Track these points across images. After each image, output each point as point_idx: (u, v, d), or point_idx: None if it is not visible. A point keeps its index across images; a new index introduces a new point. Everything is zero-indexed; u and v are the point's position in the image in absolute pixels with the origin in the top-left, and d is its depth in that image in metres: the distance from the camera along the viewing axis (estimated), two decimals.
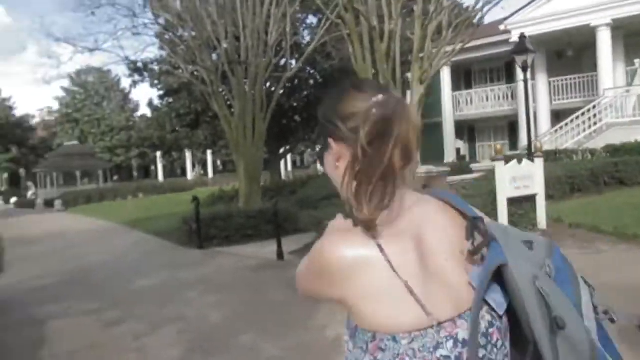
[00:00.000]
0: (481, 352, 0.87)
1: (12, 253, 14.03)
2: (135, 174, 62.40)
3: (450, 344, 0.85)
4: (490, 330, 0.89)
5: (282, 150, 23.44)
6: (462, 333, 0.86)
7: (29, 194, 37.36)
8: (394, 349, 0.86)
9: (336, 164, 0.99)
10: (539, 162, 8.77)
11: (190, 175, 45.97)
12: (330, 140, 0.99)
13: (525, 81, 12.67)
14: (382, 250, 0.89)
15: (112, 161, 51.02)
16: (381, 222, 0.91)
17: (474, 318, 0.86)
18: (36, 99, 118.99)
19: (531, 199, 8.68)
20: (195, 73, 15.28)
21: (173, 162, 60.70)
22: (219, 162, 53.82)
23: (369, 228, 0.90)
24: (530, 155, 9.75)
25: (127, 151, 56.48)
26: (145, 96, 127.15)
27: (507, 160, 9.04)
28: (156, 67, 22.48)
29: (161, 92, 23.51)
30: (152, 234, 14.61)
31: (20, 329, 6.14)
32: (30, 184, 40.12)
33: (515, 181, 8.35)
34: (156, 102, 24.41)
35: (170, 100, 22.45)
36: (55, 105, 60.79)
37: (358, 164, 0.93)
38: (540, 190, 8.67)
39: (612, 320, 0.96)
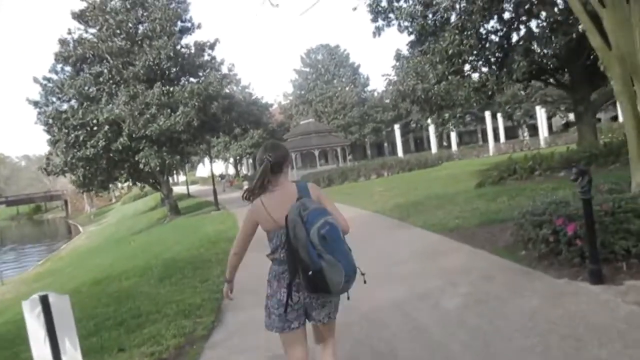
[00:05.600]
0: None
1: (246, 267, 9.55)
2: (368, 152, 59.38)
3: (282, 233, 2.75)
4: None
5: (594, 96, 15.67)
6: (284, 230, 2.72)
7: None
8: (269, 237, 2.89)
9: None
10: None
11: (434, 147, 40.09)
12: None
13: None
14: (262, 201, 2.84)
15: (347, 139, 47.98)
16: (265, 193, 2.89)
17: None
18: (273, 85, 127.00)
19: None
20: None
21: (408, 136, 56.10)
22: (452, 134, 46.46)
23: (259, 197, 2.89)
24: None
25: (361, 128, 53.42)
26: (376, 70, 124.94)
27: None
28: (405, 5, 16.92)
29: (412, 38, 17.76)
30: (445, 234, 8.88)
31: None
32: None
33: None
34: (405, 51, 18.83)
35: (427, 44, 16.50)
36: (290, 89, 61.09)
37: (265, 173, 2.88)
38: None
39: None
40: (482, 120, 44.34)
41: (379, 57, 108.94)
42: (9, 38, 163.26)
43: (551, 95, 50.82)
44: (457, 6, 13.41)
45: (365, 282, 2.87)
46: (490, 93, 14.79)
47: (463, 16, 13.25)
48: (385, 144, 61.06)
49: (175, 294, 6.95)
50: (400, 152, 42.87)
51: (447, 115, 15.07)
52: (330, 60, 57.27)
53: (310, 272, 2.56)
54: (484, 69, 15.94)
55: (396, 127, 44.11)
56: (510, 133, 49.26)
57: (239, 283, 7.33)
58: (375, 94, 60.52)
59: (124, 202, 58.41)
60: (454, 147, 42.37)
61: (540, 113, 43.71)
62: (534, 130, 57.94)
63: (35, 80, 22.49)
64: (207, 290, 6.94)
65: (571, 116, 58.33)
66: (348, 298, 2.85)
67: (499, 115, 43.38)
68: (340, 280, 2.58)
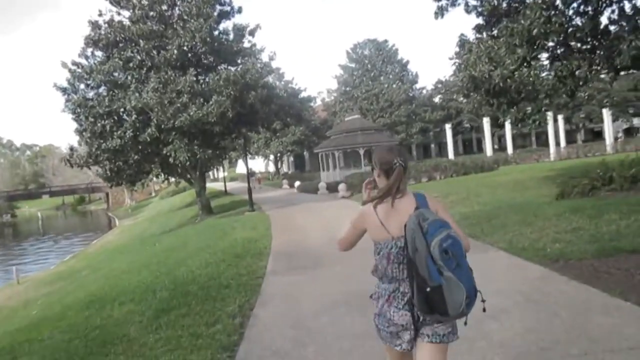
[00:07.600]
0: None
1: (275, 300, 6.14)
2: (414, 152, 56.52)
3: (396, 245, 2.43)
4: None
5: None
6: (400, 242, 2.40)
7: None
8: (378, 248, 2.50)
9: (376, 177, 2.58)
10: None
11: (489, 150, 37.01)
12: (375, 169, 2.60)
13: None
14: (375, 209, 2.47)
15: (394, 138, 45.37)
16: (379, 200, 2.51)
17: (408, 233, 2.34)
18: (317, 82, 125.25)
19: None
20: None
21: (457, 138, 53.05)
22: (508, 136, 43.16)
23: (373, 203, 2.50)
24: None
25: (408, 127, 50.66)
26: (426, 67, 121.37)
27: None
28: None
29: (480, 20, 15.19)
30: (547, 264, 6.39)
31: None
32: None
33: None
34: (471, 37, 16.25)
35: (500, 25, 13.90)
36: (334, 85, 58.82)
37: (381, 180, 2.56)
38: None
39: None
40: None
41: (432, 51, 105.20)
42: (56, 23, 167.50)
43: (614, 97, 46.85)
44: None
45: (484, 310, 2.44)
46: (581, 83, 12.10)
47: None
48: (433, 145, 58.04)
49: (165, 347, 4.77)
50: (450, 153, 39.97)
51: (529, 109, 12.40)
52: (377, 56, 54.62)
53: (428, 289, 2.23)
54: (569, 54, 13.21)
55: (447, 127, 41.25)
56: (567, 137, 45.59)
57: (259, 340, 5.08)
58: (424, 92, 57.60)
59: (162, 197, 57.49)
60: (510, 150, 39.14)
61: (607, 116, 40.00)
62: (591, 134, 53.86)
63: (64, 65, 20.97)
64: (213, 343, 4.71)
65: (635, 121, 53.99)
66: (465, 323, 2.42)
67: (559, 117, 39.94)
68: (460, 302, 2.22)
